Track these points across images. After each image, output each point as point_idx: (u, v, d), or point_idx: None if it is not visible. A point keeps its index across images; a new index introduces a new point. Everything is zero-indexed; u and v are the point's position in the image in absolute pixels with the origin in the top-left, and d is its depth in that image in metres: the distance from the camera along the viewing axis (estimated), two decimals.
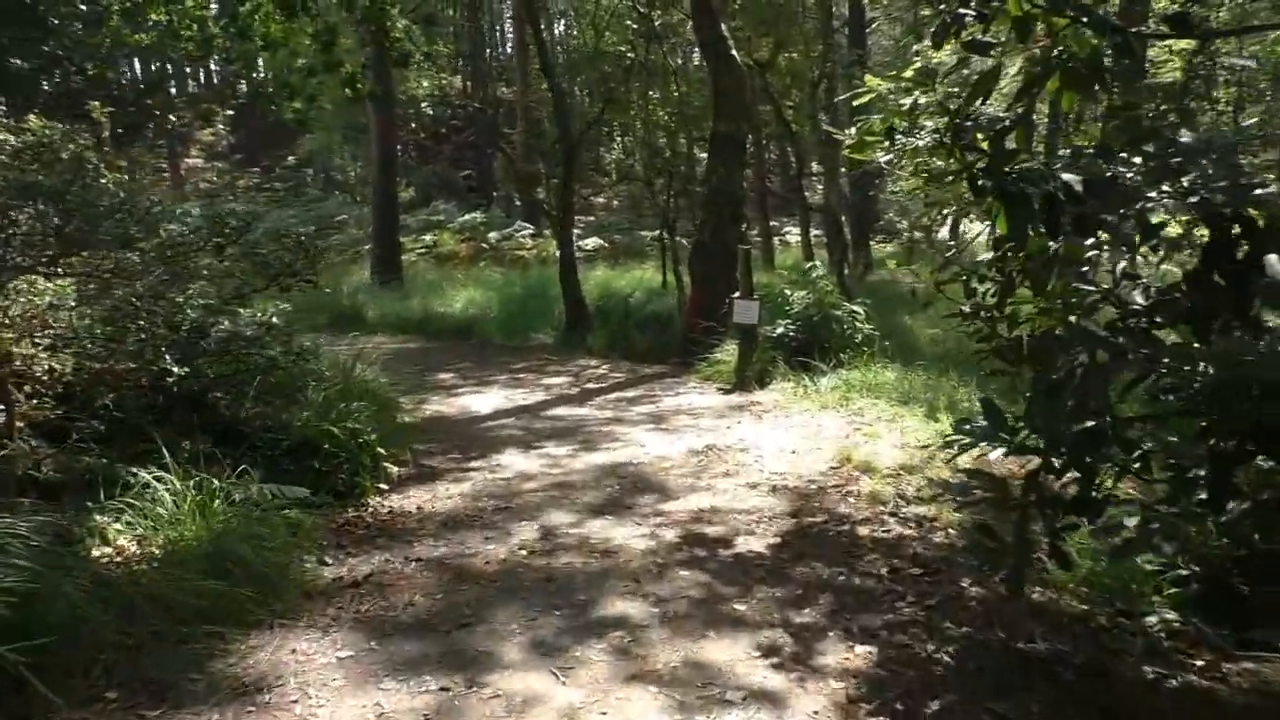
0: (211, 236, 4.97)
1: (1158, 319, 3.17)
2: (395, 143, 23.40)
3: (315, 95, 11.80)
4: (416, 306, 15.69)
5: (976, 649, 3.63)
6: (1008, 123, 3.33)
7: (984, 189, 3.26)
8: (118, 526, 4.10)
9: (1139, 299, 3.17)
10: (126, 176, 5.18)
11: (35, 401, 4.31)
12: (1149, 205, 3.06)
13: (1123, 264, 3.19)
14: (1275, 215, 2.88)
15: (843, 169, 20.30)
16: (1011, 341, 3.69)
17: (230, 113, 36.50)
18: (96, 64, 11.62)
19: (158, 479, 4.27)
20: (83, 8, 13.18)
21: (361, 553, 4.77)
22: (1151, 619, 3.71)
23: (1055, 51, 3.49)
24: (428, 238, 25.61)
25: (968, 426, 3.53)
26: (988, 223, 3.96)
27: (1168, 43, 7.67)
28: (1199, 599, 3.37)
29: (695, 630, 3.84)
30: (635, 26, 16.09)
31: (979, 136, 3.34)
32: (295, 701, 3.31)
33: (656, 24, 15.77)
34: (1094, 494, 3.23)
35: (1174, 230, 3.27)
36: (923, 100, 3.33)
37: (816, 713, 3.21)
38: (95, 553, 3.91)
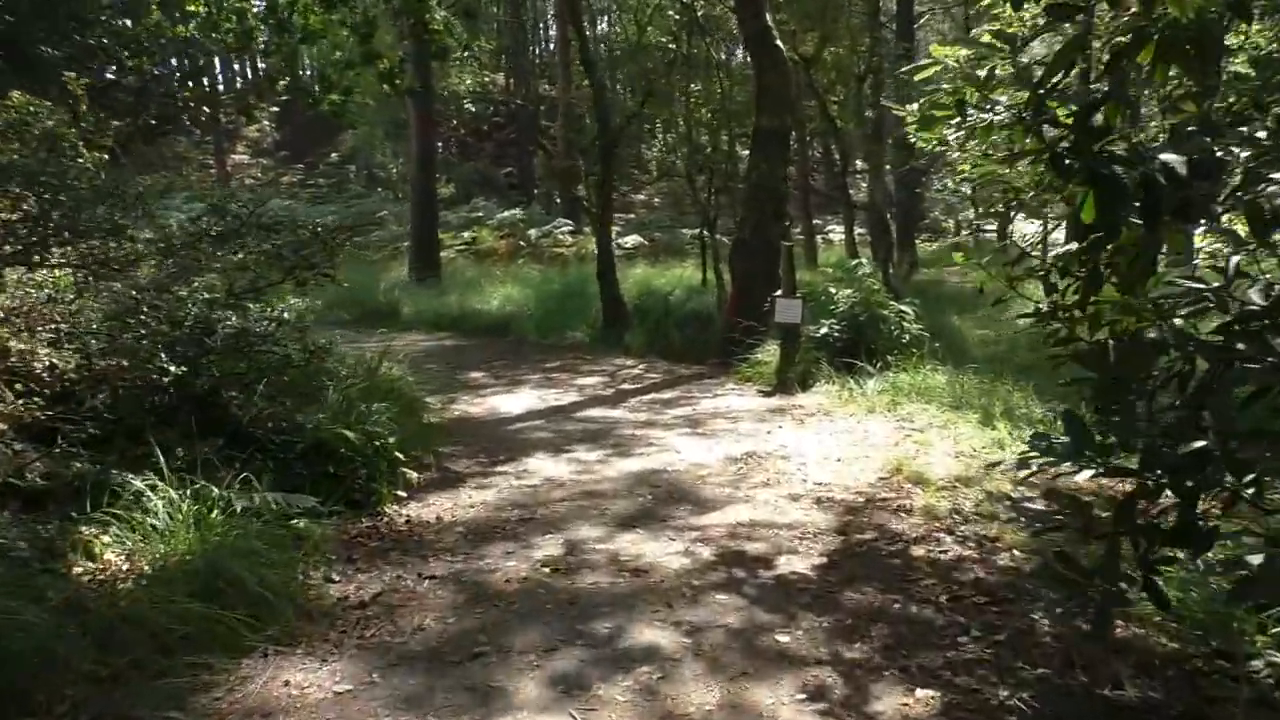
0: (213, 226, 4.64)
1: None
2: (434, 138, 23.25)
3: (352, 88, 11.68)
4: (452, 303, 15.44)
5: (1055, 695, 3.19)
6: (1098, 95, 2.89)
7: (1071, 170, 2.82)
8: (106, 539, 3.78)
9: (1257, 298, 2.71)
10: (106, 156, 4.86)
11: (23, 401, 4.00)
12: (1269, 189, 2.61)
13: (1237, 258, 2.74)
14: None
15: (888, 165, 19.82)
16: (1095, 345, 3.24)
17: (275, 109, 36.74)
18: (134, 55, 11.51)
19: (152, 487, 3.94)
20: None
21: (372, 568, 4.42)
22: (1257, 663, 3.24)
23: (1152, 17, 3.04)
24: (467, 234, 25.45)
25: (1046, 442, 3.08)
26: (1053, 218, 3.53)
27: None
28: None
29: (733, 666, 3.43)
30: (677, 18, 15.73)
31: (1063, 112, 2.91)
32: None
33: (699, 14, 15.37)
34: (1199, 522, 2.79)
35: None
36: (1000, 70, 2.89)
37: None
38: (78, 569, 3.58)
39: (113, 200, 4.15)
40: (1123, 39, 3.24)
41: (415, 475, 5.77)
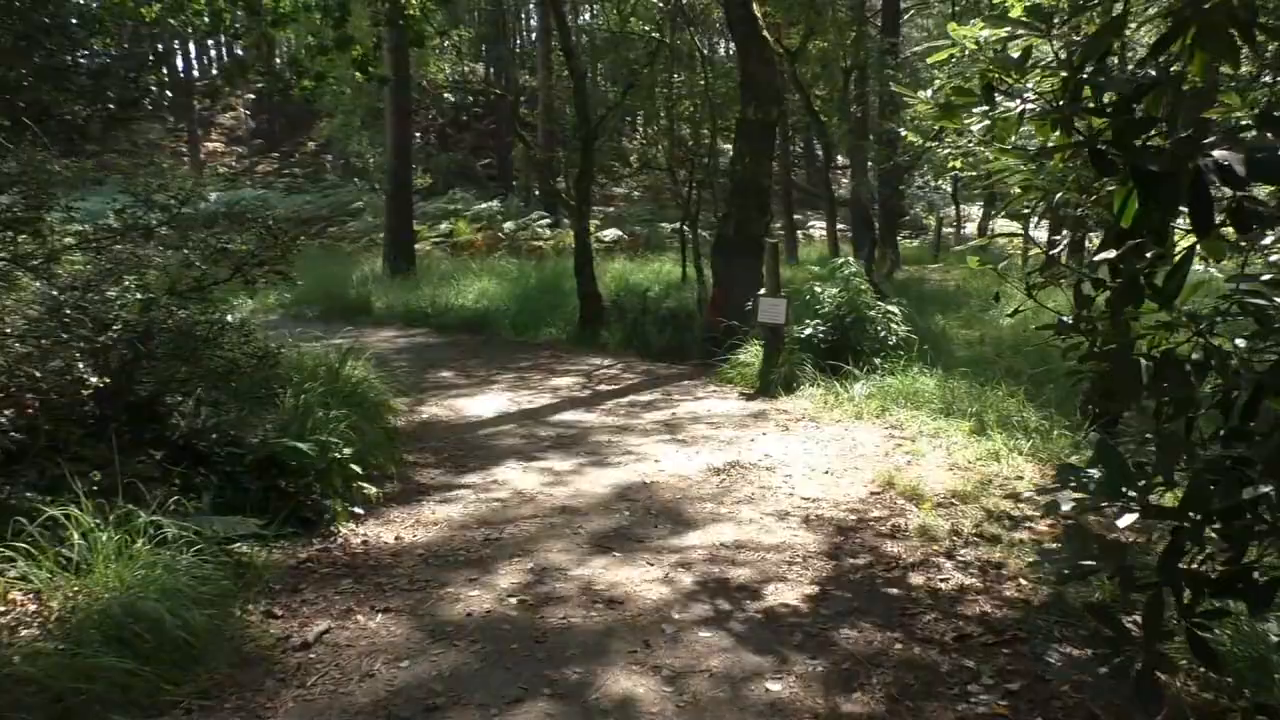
0: (138, 219, 4.19)
1: None
2: (411, 128, 22.71)
3: (325, 74, 11.30)
4: (427, 298, 14.97)
5: None
6: (1142, 82, 2.52)
7: (1113, 165, 2.46)
8: (13, 575, 3.34)
9: None
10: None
11: None
12: None
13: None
14: None
15: (869, 162, 19.51)
16: (1126, 364, 2.88)
17: (251, 96, 35.99)
18: (92, 35, 10.99)
19: (67, 514, 3.50)
20: None
21: (321, 599, 3.99)
22: None
23: None
24: (444, 226, 24.94)
25: (1077, 477, 2.72)
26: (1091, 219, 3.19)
27: None
28: None
29: None
30: (662, 6, 15.35)
31: (1104, 100, 2.54)
32: None
33: (684, 2, 14.98)
34: (1254, 572, 2.44)
35: None
36: (1035, 50, 2.51)
37: None
38: None
39: (20, 188, 3.70)
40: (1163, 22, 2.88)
41: (374, 490, 5.34)
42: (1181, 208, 2.49)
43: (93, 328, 3.96)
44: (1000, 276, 3.33)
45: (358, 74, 11.25)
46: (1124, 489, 2.56)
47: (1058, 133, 2.73)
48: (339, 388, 6.50)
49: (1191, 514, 2.50)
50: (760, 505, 5.41)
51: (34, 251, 3.85)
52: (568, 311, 12.88)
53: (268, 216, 4.93)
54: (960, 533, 4.84)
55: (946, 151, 10.88)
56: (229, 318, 4.87)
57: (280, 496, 4.77)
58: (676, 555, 4.60)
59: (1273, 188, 2.84)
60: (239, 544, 4.06)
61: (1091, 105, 2.58)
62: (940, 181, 24.16)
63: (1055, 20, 2.46)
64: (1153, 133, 2.62)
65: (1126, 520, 2.45)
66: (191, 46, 36.86)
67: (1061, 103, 2.53)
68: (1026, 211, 2.99)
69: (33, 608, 3.26)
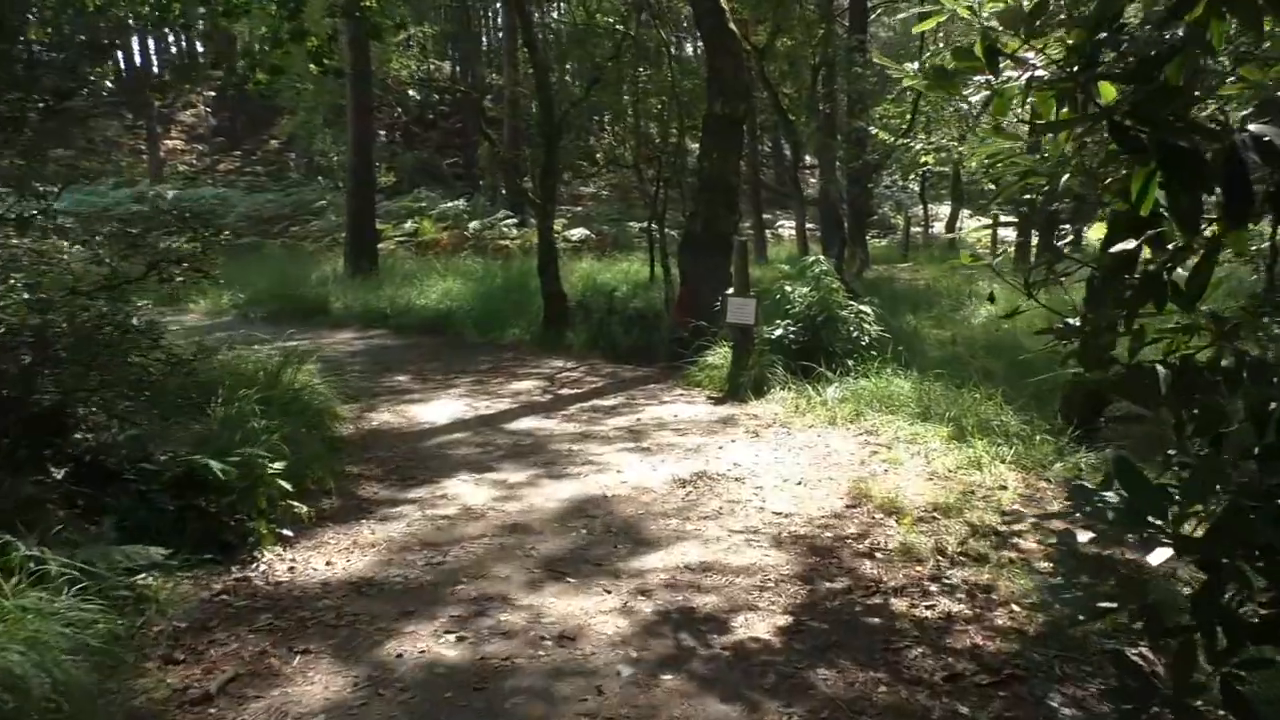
0: (14, 206, 3.72)
1: None
2: (373, 124, 22.18)
3: (281, 68, 10.85)
4: (386, 298, 14.47)
5: None
6: (1171, 44, 2.15)
7: (1136, 142, 2.08)
8: None
9: None
10: None
11: None
12: None
13: None
14: None
15: (837, 161, 19.23)
16: (1141, 372, 2.51)
17: (212, 93, 35.14)
18: (26, 23, 10.45)
19: None
20: None
21: (231, 640, 3.53)
22: None
23: None
24: (409, 225, 24.39)
25: (1091, 501, 2.35)
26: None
27: None
28: None
29: None
30: None
31: (1123, 66, 2.17)
32: None
33: None
34: None
35: None
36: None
37: None
38: None
39: None
40: None
41: (306, 509, 4.89)
42: (1211, 192, 2.15)
43: None
44: (997, 274, 2.96)
45: (312, 65, 10.80)
46: (1151, 516, 2.19)
47: (1065, 108, 2.36)
48: (277, 395, 6.05)
49: (1221, 543, 2.14)
50: (728, 521, 5.02)
51: None
52: (532, 312, 12.45)
53: (184, 210, 4.46)
54: (944, 551, 4.47)
55: (919, 146, 10.58)
56: (133, 320, 4.39)
57: (199, 517, 4.32)
58: (636, 580, 4.19)
59: None
60: (144, 575, 3.60)
61: (1110, 72, 2.21)
62: (908, 181, 23.99)
63: None
64: (1195, 101, 2.27)
65: (1159, 557, 2.07)
66: (150, 42, 35.95)
67: (1076, 68, 2.16)
68: (1029, 199, 2.61)
69: None
